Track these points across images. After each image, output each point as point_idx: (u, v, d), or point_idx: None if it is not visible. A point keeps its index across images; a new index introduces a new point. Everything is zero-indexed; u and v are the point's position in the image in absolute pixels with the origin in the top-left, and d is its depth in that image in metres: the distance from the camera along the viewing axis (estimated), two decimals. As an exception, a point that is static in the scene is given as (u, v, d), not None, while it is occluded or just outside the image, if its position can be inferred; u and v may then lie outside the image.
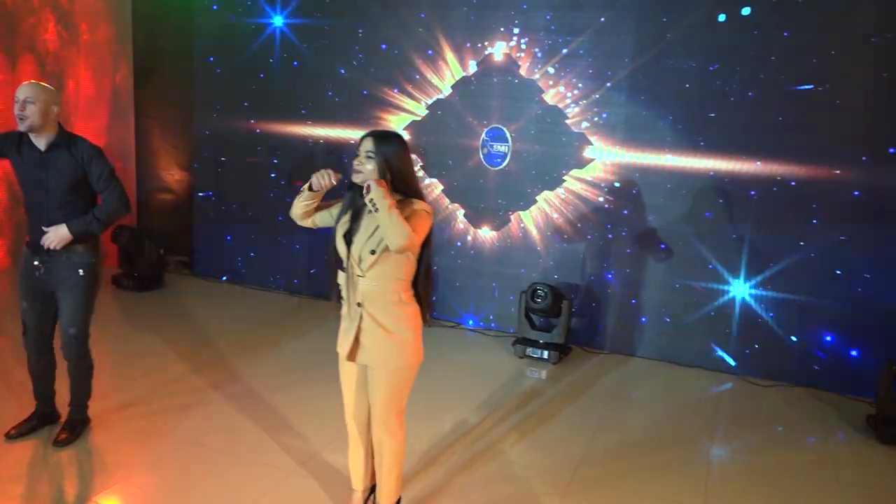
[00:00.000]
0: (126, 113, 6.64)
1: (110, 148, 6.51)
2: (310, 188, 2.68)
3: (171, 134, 6.69)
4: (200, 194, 6.55)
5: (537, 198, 5.34)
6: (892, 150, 4.42)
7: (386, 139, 2.62)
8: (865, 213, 4.52)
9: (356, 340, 2.66)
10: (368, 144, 2.60)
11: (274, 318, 5.67)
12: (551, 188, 5.28)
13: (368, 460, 2.92)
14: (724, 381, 4.84)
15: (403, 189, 2.62)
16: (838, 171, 4.54)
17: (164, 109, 6.67)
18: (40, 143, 3.20)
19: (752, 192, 4.76)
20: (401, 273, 2.63)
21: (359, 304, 2.64)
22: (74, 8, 6.31)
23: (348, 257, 2.64)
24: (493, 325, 5.60)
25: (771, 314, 4.82)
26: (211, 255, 6.60)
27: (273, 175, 6.21)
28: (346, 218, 2.69)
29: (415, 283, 2.70)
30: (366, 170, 2.59)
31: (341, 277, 2.70)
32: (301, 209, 2.75)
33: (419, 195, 2.65)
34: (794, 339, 4.78)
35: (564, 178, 5.24)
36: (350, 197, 2.70)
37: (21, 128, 3.12)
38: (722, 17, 4.67)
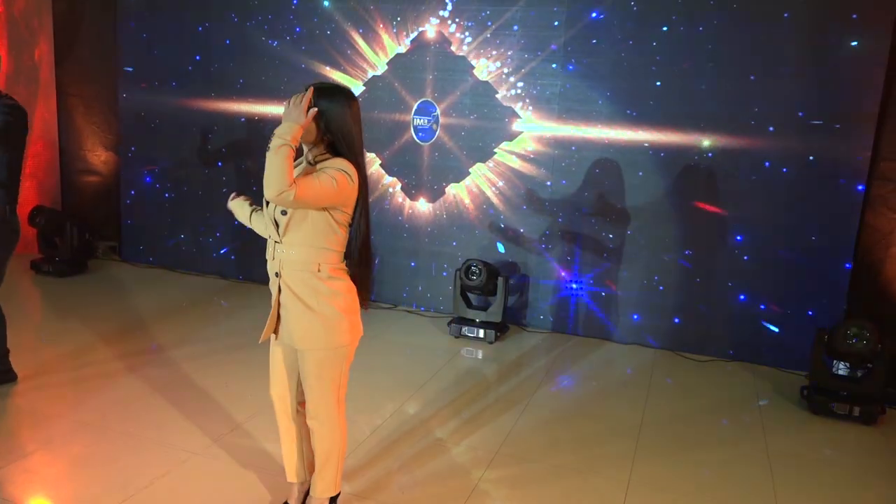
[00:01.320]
0: (47, 91, 6.30)
1: (31, 129, 6.18)
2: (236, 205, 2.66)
3: (95, 112, 6.37)
4: (127, 176, 6.26)
5: (470, 170, 5.21)
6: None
7: (329, 93, 2.35)
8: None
9: (277, 314, 2.45)
10: (308, 94, 2.31)
11: (202, 302, 5.43)
12: (484, 161, 5.15)
13: (302, 450, 2.66)
14: (659, 357, 4.77)
15: (340, 149, 2.36)
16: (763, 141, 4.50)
17: (87, 86, 6.35)
18: None
19: (690, 164, 4.69)
20: (324, 241, 2.35)
21: (276, 274, 2.41)
22: (-12, -22, 5.96)
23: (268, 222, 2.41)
24: (430, 305, 5.45)
25: (706, 287, 4.77)
26: (140, 240, 6.32)
27: (209, 153, 5.95)
28: None
29: (348, 257, 2.45)
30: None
31: (268, 245, 2.46)
32: (248, 221, 2.64)
33: (350, 153, 2.36)
34: (728, 312, 4.74)
35: (496, 150, 5.11)
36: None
37: None
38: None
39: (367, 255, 2.46)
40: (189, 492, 2.83)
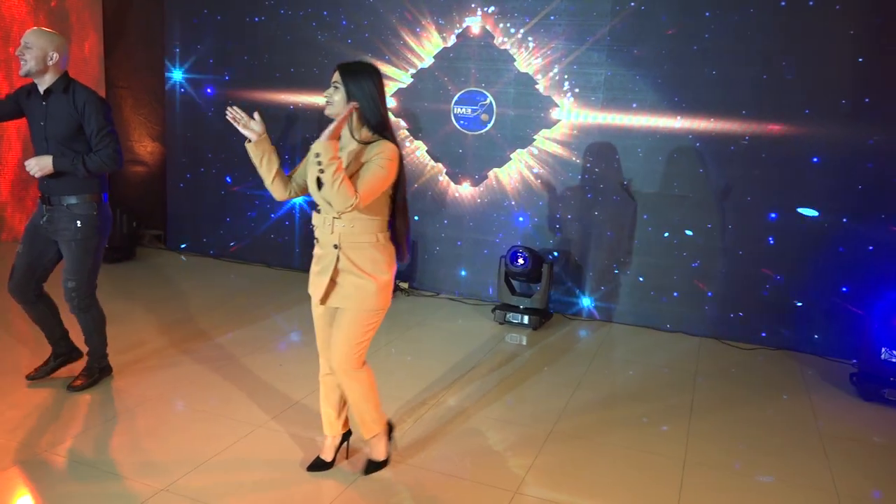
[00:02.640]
0: (96, 83, 6.46)
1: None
2: (248, 142, 2.59)
3: (143, 104, 6.52)
4: (174, 166, 6.40)
5: (511, 156, 5.26)
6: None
7: (353, 69, 2.51)
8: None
9: (332, 282, 2.57)
10: (336, 75, 2.52)
11: (247, 288, 5.54)
12: (525, 147, 5.20)
13: (340, 406, 2.83)
14: (704, 344, 4.79)
15: (372, 123, 2.52)
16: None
17: (135, 78, 6.49)
18: (42, 89, 3.18)
19: (732, 148, 4.69)
20: (377, 213, 2.56)
21: (335, 246, 2.55)
22: (41, -27, 6.13)
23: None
24: (472, 293, 5.51)
25: (750, 276, 4.77)
26: (184, 228, 6.45)
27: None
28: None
29: (391, 223, 2.63)
30: (334, 100, 2.52)
31: (316, 219, 2.61)
32: (269, 180, 2.64)
33: (385, 130, 2.53)
34: (773, 302, 4.74)
35: (535, 138, 5.16)
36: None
37: (20, 72, 3.13)
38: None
39: (405, 217, 2.65)
40: (257, 460, 2.92)
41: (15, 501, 2.55)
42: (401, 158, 2.55)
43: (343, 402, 2.83)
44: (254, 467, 2.88)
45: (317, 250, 2.65)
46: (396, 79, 5.48)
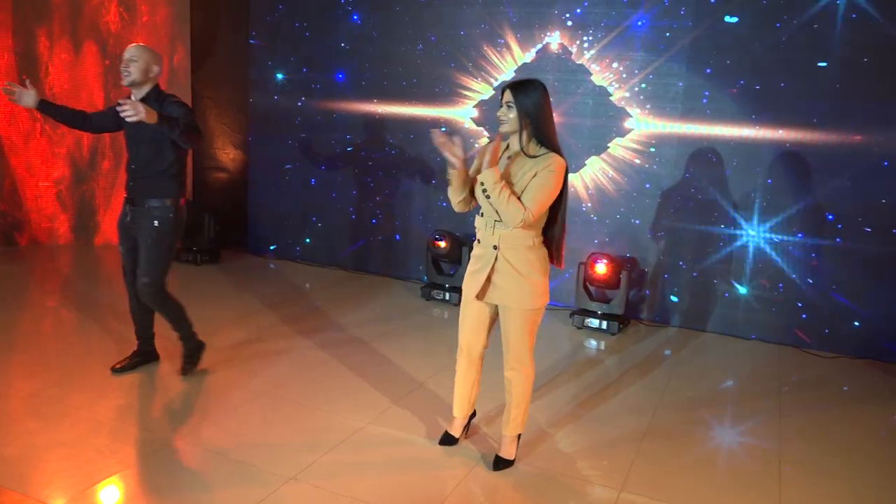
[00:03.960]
0: (184, 93, 6.76)
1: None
2: (451, 167, 2.77)
3: (226, 114, 6.82)
4: (253, 174, 6.68)
5: (587, 162, 5.37)
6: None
7: (524, 88, 2.69)
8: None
9: (488, 280, 2.79)
10: (507, 95, 2.71)
11: (333, 290, 5.75)
12: (599, 154, 5.32)
13: (474, 391, 3.09)
14: (783, 353, 4.82)
15: (540, 137, 2.71)
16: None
17: (220, 90, 6.80)
18: (137, 98, 3.45)
19: (815, 162, 4.73)
20: (538, 219, 2.75)
21: (495, 247, 2.76)
22: (136, -10, 6.48)
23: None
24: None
25: (825, 283, 4.79)
26: (265, 233, 6.72)
27: (338, 152, 6.31)
28: (483, 166, 2.73)
29: (546, 230, 2.82)
30: (508, 119, 2.71)
31: (479, 221, 2.84)
32: (459, 199, 2.84)
33: (554, 144, 2.72)
34: (854, 311, 4.75)
35: (609, 146, 5.28)
36: (486, 147, 2.75)
37: (123, 83, 3.43)
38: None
39: (563, 227, 2.85)
40: (369, 457, 3.09)
41: (159, 487, 2.77)
42: (566, 171, 2.73)
43: (475, 386, 3.08)
44: (374, 455, 3.05)
45: (476, 250, 2.87)
46: (481, 91, 5.65)
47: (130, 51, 3.44)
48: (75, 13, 6.36)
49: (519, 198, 2.65)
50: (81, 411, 3.32)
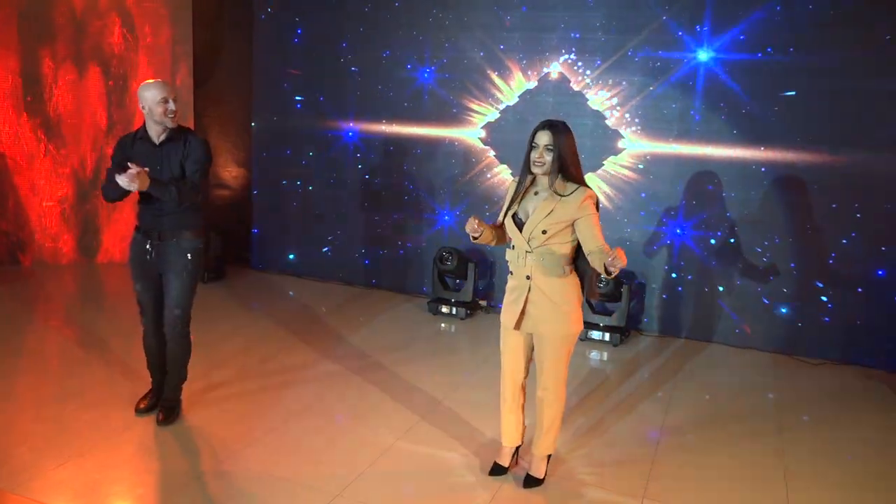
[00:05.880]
0: (186, 112, 6.87)
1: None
2: (474, 240, 3.00)
3: (229, 132, 6.94)
4: (257, 191, 6.81)
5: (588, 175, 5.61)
6: None
7: (560, 130, 2.86)
8: None
9: (523, 311, 2.96)
10: (546, 138, 2.86)
11: (336, 306, 5.91)
12: (595, 171, 5.59)
13: (521, 420, 3.21)
14: (772, 360, 5.11)
15: (571, 173, 2.89)
16: None
17: (222, 108, 6.92)
18: (157, 136, 3.44)
19: (814, 185, 5.03)
20: (565, 249, 2.92)
21: (528, 277, 2.94)
22: (139, 11, 6.56)
23: (521, 236, 2.93)
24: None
25: (807, 292, 5.10)
26: (268, 249, 6.86)
27: (344, 169, 6.46)
28: (517, 201, 2.97)
29: (576, 258, 2.99)
30: (546, 161, 2.87)
31: (510, 254, 3.01)
32: (493, 244, 3.09)
33: (581, 179, 2.92)
34: (834, 319, 5.05)
35: (604, 163, 5.55)
36: (518, 183, 2.99)
37: (171, 123, 3.41)
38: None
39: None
40: (406, 471, 3.27)
41: (214, 505, 2.93)
42: (598, 202, 2.94)
43: (522, 415, 3.20)
44: (412, 472, 3.24)
45: (510, 282, 3.04)
46: (484, 113, 5.87)
47: (168, 88, 3.37)
48: (79, 34, 6.43)
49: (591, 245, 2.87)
50: (99, 444, 3.44)
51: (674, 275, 5.46)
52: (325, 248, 6.62)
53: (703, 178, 5.28)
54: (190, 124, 6.95)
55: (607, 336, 5.22)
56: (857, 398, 4.51)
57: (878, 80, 4.75)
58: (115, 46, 6.56)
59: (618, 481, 3.29)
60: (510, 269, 3.05)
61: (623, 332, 5.27)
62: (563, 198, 2.88)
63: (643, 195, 5.46)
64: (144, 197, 3.47)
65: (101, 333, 4.88)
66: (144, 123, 3.46)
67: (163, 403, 3.68)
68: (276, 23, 6.47)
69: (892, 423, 4.14)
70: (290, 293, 6.25)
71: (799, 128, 4.99)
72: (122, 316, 5.28)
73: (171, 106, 3.38)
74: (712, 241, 5.31)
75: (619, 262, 2.62)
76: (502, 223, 3.08)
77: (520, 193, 3.00)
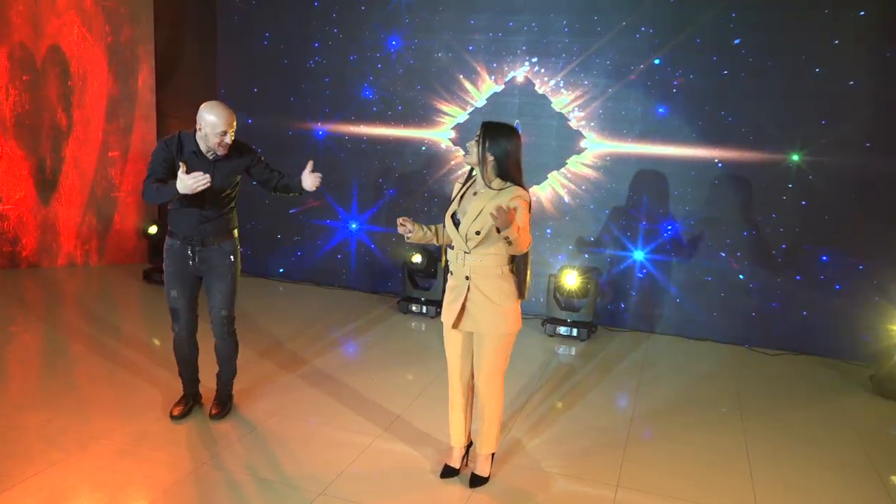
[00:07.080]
0: (148, 113, 6.79)
1: (133, 149, 6.67)
2: (408, 239, 3.07)
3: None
4: (247, 195, 6.75)
5: (548, 175, 5.76)
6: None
7: (495, 129, 2.96)
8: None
9: (462, 309, 3.00)
10: (480, 131, 2.97)
11: (306, 307, 5.93)
12: (559, 170, 5.74)
13: (468, 419, 3.26)
14: (733, 352, 5.32)
15: (511, 175, 2.95)
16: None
17: (185, 109, 6.82)
18: (208, 152, 3.40)
19: (763, 177, 5.25)
20: (503, 249, 2.95)
21: (467, 278, 2.99)
22: (98, 10, 6.45)
23: (459, 237, 2.97)
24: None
25: (763, 285, 5.33)
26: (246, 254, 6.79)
27: (316, 171, 6.44)
28: (455, 202, 3.04)
29: (513, 259, 3.02)
30: (472, 152, 2.97)
31: (450, 254, 3.05)
32: (424, 243, 3.09)
33: (520, 181, 2.97)
34: (787, 309, 5.29)
35: (567, 162, 5.70)
36: (460, 186, 3.07)
37: (221, 153, 3.40)
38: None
39: (527, 256, 3.03)
40: (385, 470, 3.34)
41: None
42: (529, 204, 2.98)
43: (469, 414, 3.26)
44: (390, 470, 3.31)
45: (450, 282, 3.08)
46: (454, 115, 5.96)
47: (231, 119, 3.34)
48: (37, 33, 6.29)
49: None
50: (100, 440, 3.44)
51: (639, 274, 5.63)
52: (297, 251, 6.62)
53: (662, 176, 5.46)
54: (153, 126, 6.87)
55: (574, 331, 5.36)
56: (813, 386, 4.74)
57: (830, 81, 5.00)
58: (75, 45, 6.43)
59: (592, 470, 3.41)
60: (450, 269, 3.07)
61: (590, 328, 5.42)
62: (494, 195, 2.92)
63: (605, 192, 5.62)
64: (186, 204, 3.43)
65: (63, 339, 4.81)
66: (193, 133, 3.41)
67: (217, 398, 3.82)
68: (242, 21, 6.43)
69: (845, 407, 4.37)
70: (265, 296, 6.24)
71: (752, 128, 5.21)
72: (89, 318, 5.21)
73: (228, 140, 3.37)
74: (673, 237, 5.50)
75: (504, 216, 2.59)
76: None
77: (460, 193, 3.07)
